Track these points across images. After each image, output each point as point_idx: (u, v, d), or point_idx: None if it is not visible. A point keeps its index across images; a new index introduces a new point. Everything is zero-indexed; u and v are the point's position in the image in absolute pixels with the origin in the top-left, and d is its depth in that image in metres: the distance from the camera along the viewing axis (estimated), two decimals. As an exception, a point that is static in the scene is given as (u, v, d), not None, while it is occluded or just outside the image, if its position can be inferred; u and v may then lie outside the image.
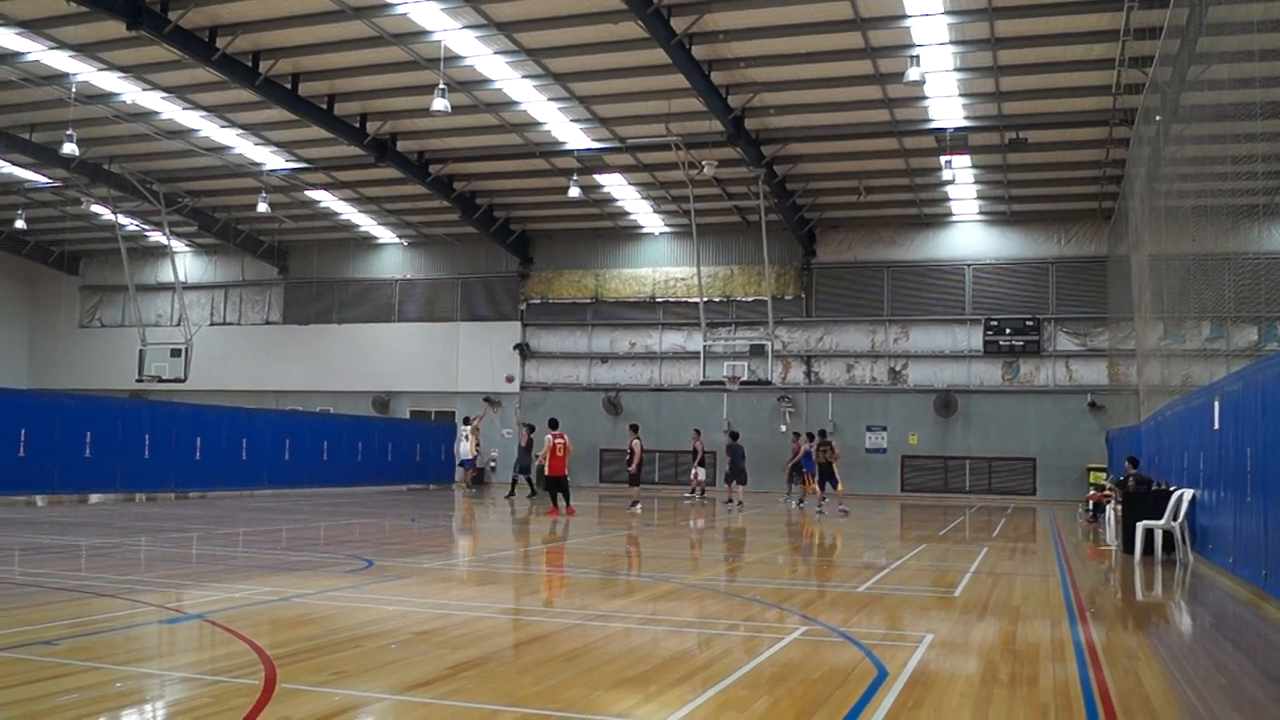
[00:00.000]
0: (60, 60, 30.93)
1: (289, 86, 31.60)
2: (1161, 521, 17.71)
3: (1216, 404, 15.22)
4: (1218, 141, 16.60)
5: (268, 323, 50.87)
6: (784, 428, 42.51)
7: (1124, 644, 9.96)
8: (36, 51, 30.41)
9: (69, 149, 33.22)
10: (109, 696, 7.03)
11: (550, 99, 32.71)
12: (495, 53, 29.65)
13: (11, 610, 10.42)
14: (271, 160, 39.48)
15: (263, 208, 41.36)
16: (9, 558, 15.07)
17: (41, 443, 27.69)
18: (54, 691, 7.05)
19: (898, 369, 42.46)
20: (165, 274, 49.61)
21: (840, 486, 30.21)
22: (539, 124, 34.74)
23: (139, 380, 44.26)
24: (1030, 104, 31.34)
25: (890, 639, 9.78)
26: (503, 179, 40.89)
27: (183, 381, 42.78)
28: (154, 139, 37.53)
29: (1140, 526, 17.95)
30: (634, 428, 31.40)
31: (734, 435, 34.56)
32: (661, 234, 45.38)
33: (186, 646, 9.15)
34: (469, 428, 35.28)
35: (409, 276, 48.90)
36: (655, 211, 43.36)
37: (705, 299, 41.51)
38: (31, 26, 28.96)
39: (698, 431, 38.58)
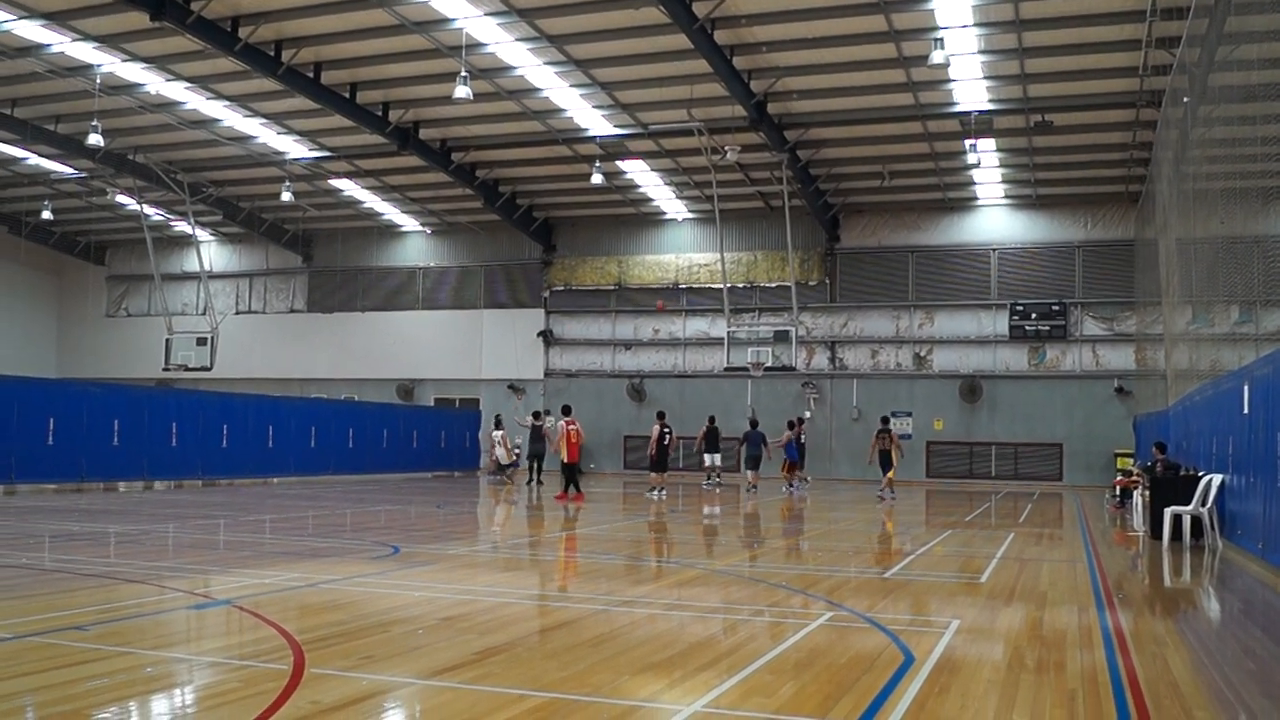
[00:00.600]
0: (84, 51, 31.04)
1: (311, 75, 31.64)
2: (1190, 507, 17.61)
3: (1246, 388, 15.11)
4: (1247, 123, 16.45)
5: (292, 311, 51.04)
6: (808, 414, 42.45)
7: (1152, 630, 9.91)
8: (61, 43, 30.51)
9: (94, 140, 33.33)
10: (139, 681, 7.06)
11: (572, 85, 32.67)
12: (517, 40, 29.61)
13: (42, 596, 10.49)
14: (295, 149, 39.57)
15: (286, 196, 41.45)
16: (39, 544, 15.17)
17: (70, 431, 27.88)
18: (85, 676, 7.09)
19: (923, 354, 42.33)
20: (190, 263, 49.80)
21: (891, 474, 30.22)
22: (561, 111, 34.70)
23: (165, 369, 44.44)
24: (1056, 86, 31.11)
25: (916, 625, 9.75)
26: (525, 166, 40.88)
27: (208, 370, 42.94)
28: (178, 129, 37.64)
29: (1168, 512, 17.84)
30: (660, 415, 31.35)
31: (754, 423, 34.52)
32: (684, 220, 45.31)
33: (215, 632, 9.19)
34: (500, 433, 34.67)
35: (432, 264, 48.97)
36: (678, 197, 43.29)
37: (729, 285, 41.43)
38: (56, 18, 29.07)
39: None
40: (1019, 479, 40.50)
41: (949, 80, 31.05)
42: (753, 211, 43.44)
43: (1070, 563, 14.99)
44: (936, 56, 27.26)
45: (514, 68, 31.44)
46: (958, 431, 41.66)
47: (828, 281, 43.40)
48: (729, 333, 39.43)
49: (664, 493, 29.27)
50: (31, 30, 29.69)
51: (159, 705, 6.59)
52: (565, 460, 27.28)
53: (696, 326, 44.92)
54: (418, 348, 48.41)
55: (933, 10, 27.01)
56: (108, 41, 30.46)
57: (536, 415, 34.38)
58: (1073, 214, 40.93)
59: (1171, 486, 18.71)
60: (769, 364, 39.16)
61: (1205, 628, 10.83)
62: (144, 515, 20.81)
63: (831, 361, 43.24)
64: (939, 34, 27.30)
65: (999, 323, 41.36)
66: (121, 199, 45.43)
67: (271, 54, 30.19)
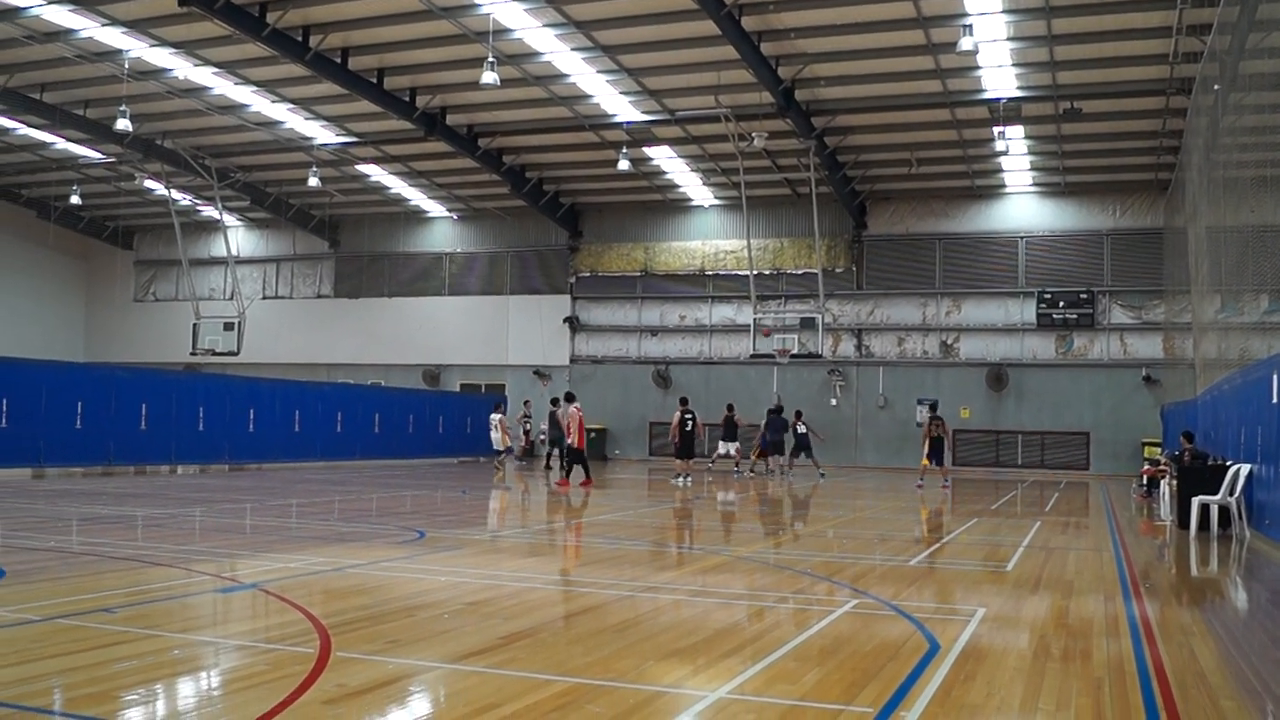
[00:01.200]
0: (113, 37, 31.15)
1: (339, 61, 31.69)
2: (1217, 496, 17.51)
3: (1275, 377, 15.02)
4: (1278, 111, 16.32)
5: (319, 296, 51.22)
6: (834, 401, 42.42)
7: (1179, 619, 9.86)
8: (90, 28, 30.64)
9: (122, 125, 33.43)
10: (167, 663, 7.11)
11: (599, 71, 32.63)
12: (544, 25, 29.58)
13: (71, 579, 10.56)
14: (322, 135, 39.65)
15: (314, 182, 41.55)
16: (67, 527, 15.28)
17: (98, 415, 28.08)
18: (113, 658, 7.14)
19: (949, 342, 42.19)
20: (218, 248, 49.96)
21: (943, 465, 30.15)
22: (588, 97, 34.67)
23: (193, 353, 44.63)
24: (1085, 73, 30.92)
25: (942, 613, 9.73)
26: (552, 152, 40.88)
27: (236, 355, 43.10)
28: (206, 114, 37.78)
29: (1196, 501, 17.73)
30: (682, 401, 31.35)
31: (778, 409, 34.52)
32: (711, 207, 45.26)
33: (242, 615, 9.24)
34: (499, 417, 34.23)
35: (459, 250, 49.04)
36: (705, 184, 43.23)
37: (755, 272, 41.35)
38: (84, 3, 29.17)
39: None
40: (1045, 468, 40.38)
41: (978, 67, 30.89)
42: (779, 198, 43.36)
43: (1096, 552, 14.93)
44: (965, 43, 27.15)
45: (541, 53, 31.42)
46: (984, 420, 41.53)
47: (854, 269, 43.29)
48: (755, 319, 39.36)
49: (689, 479, 29.27)
50: (60, 15, 29.81)
51: (186, 687, 6.63)
52: (575, 445, 27.14)
53: (722, 313, 44.87)
54: (444, 333, 48.52)
55: (962, -4, 26.89)
56: (136, 26, 30.56)
57: (555, 402, 34.32)
58: (1101, 202, 40.71)
59: (1199, 476, 18.61)
60: (795, 351, 39.10)
61: (1232, 617, 10.78)
62: (171, 499, 20.93)
63: (858, 349, 43.14)
64: (968, 20, 27.18)
65: (1026, 311, 41.18)
66: (149, 184, 45.62)
67: (299, 39, 30.25)
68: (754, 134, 34.49)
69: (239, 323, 43.15)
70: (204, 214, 50.14)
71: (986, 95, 32.76)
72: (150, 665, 7.00)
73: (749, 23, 28.41)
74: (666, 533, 17.70)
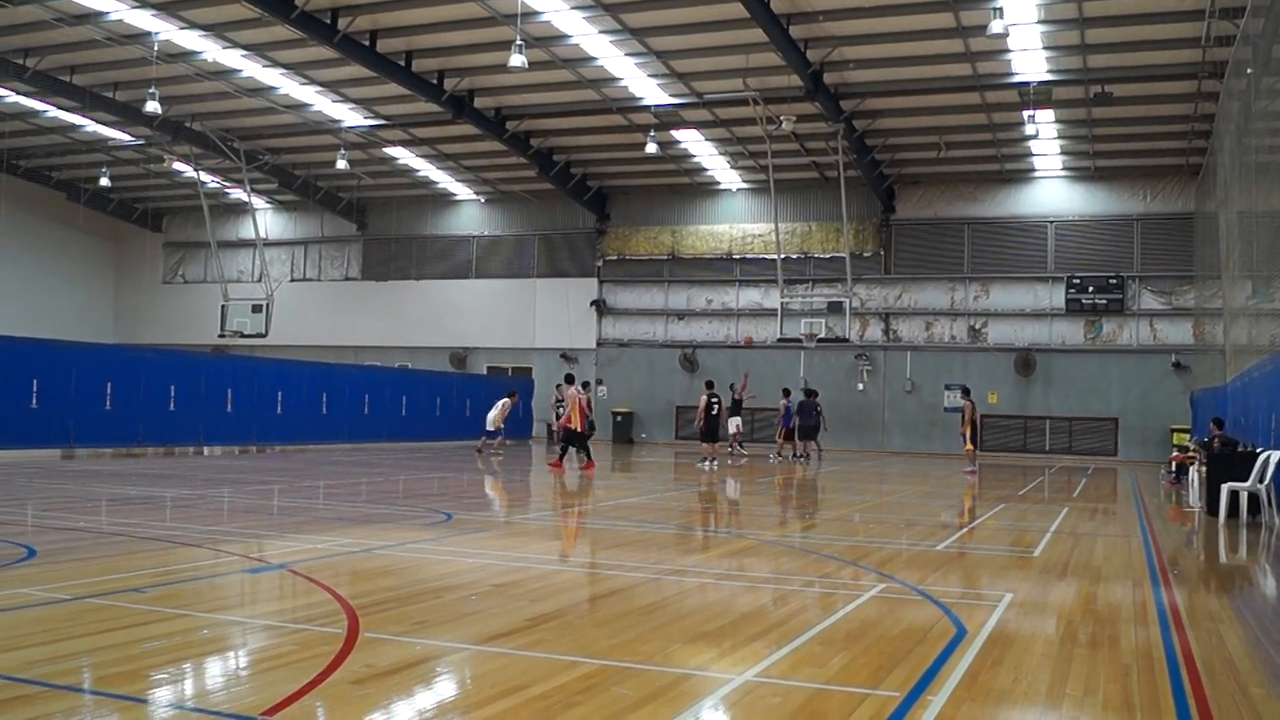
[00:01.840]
0: (142, 19, 31.23)
1: (367, 43, 31.72)
2: (1247, 483, 17.40)
3: (1306, 363, 14.91)
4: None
5: (347, 279, 51.37)
6: (860, 386, 42.36)
7: (1207, 606, 9.82)
8: (119, 10, 30.73)
9: (151, 107, 33.56)
10: (196, 643, 7.16)
11: (627, 54, 32.56)
12: (572, 8, 29.52)
13: (100, 559, 10.63)
14: (350, 117, 39.71)
15: (341, 165, 41.66)
16: (97, 508, 15.39)
17: (127, 397, 28.24)
18: (142, 637, 7.19)
19: (977, 327, 42.02)
20: (246, 230, 50.16)
21: (970, 447, 30.09)
22: (616, 80, 34.61)
23: (221, 335, 44.85)
24: (1116, 57, 30.69)
25: (969, 598, 9.71)
26: (580, 135, 40.85)
27: (264, 337, 43.29)
28: (234, 96, 37.88)
29: (1225, 488, 17.62)
30: (708, 384, 31.31)
31: (810, 393, 34.49)
32: (739, 190, 45.17)
33: (270, 595, 9.30)
34: (506, 400, 33.65)
35: (486, 233, 49.09)
36: (732, 167, 43.14)
37: (783, 255, 41.26)
38: (115, -15, 29.31)
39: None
40: (1073, 454, 40.20)
41: (1007, 50, 30.70)
42: (807, 182, 43.24)
43: (1125, 538, 14.87)
44: (995, 26, 26.93)
45: (569, 36, 31.38)
46: (1012, 405, 41.38)
47: (882, 253, 43.15)
48: (782, 303, 39.27)
49: (715, 463, 29.27)
50: (91, -2, 29.96)
51: (215, 666, 6.67)
52: (577, 429, 26.77)
53: (750, 297, 44.80)
54: (471, 316, 48.59)
55: (992, -21, 26.71)
56: (165, 9, 30.63)
57: (585, 386, 34.28)
58: (1132, 186, 40.44)
59: (1229, 462, 18.48)
60: (822, 335, 39.02)
61: (1261, 604, 10.72)
62: (199, 480, 21.05)
63: (885, 333, 43.02)
64: (998, 3, 26.94)
65: (1055, 296, 40.98)
66: (178, 166, 45.81)
67: (328, 22, 30.28)
68: (782, 117, 34.39)
69: (267, 305, 43.33)
70: (232, 196, 50.35)
71: (1016, 79, 32.55)
72: (179, 645, 7.05)
73: (778, 5, 28.28)
74: (692, 516, 17.71)
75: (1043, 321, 41.18)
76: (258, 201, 49.41)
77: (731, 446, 34.49)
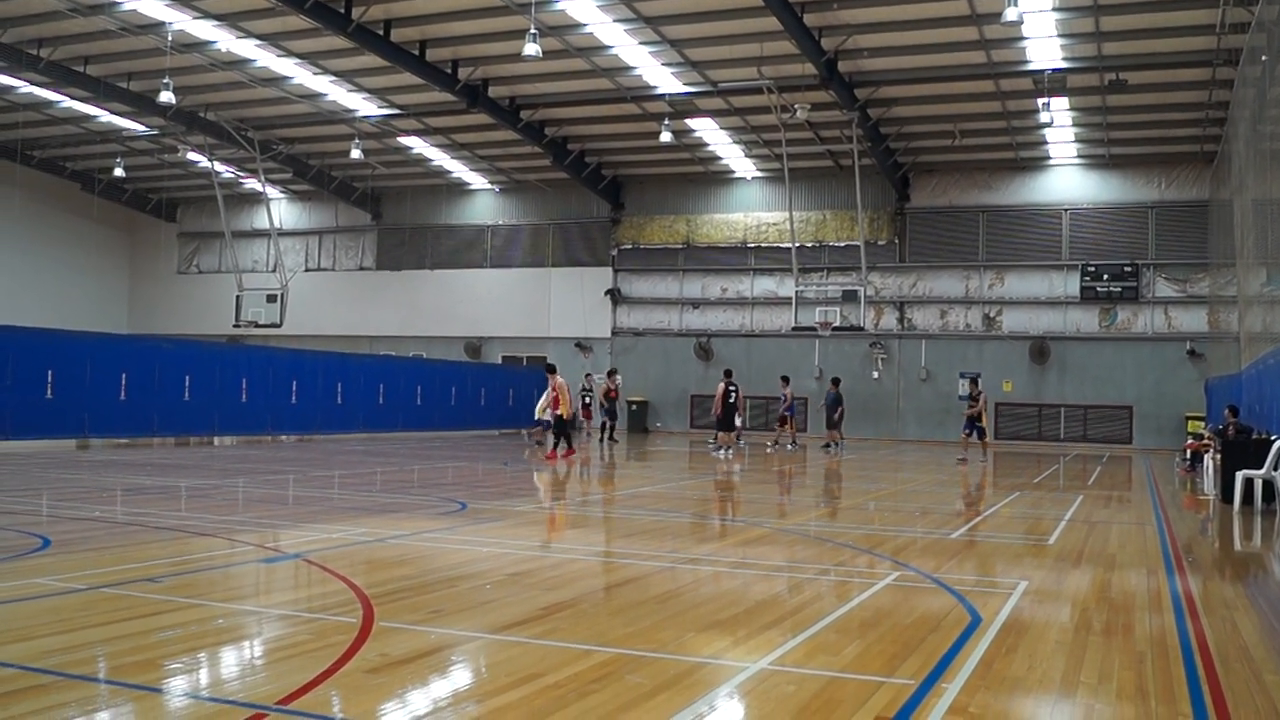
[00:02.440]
0: (156, 8, 31.29)
1: (381, 33, 31.73)
2: (1262, 471, 17.34)
3: (1323, 351, 14.84)
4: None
5: (361, 268, 51.45)
6: (875, 374, 42.31)
7: (1222, 594, 9.79)
8: (133, 0, 30.77)
9: (166, 97, 33.65)
10: (211, 632, 7.18)
11: (641, 43, 32.53)
12: (586, -3, 29.55)
13: (115, 548, 10.66)
14: (364, 107, 39.73)
15: (356, 154, 41.72)
16: (112, 498, 15.44)
17: (142, 387, 28.32)
18: (157, 627, 7.21)
19: (992, 315, 41.95)
20: (261, 220, 50.23)
21: (985, 439, 30.05)
22: (630, 68, 34.58)
23: (236, 325, 44.99)
24: (1131, 44, 30.58)
25: (983, 586, 9.70)
26: (594, 124, 40.82)
27: (278, 326, 43.40)
28: (248, 86, 37.93)
29: (1240, 476, 17.56)
30: (726, 373, 31.29)
31: (836, 381, 34.46)
32: (753, 179, 45.12)
33: (285, 585, 9.32)
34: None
35: (501, 222, 49.10)
36: (747, 156, 43.09)
37: (797, 244, 41.20)
38: (129, -25, 29.35)
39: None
40: (1088, 441, 40.14)
41: (1022, 38, 30.60)
42: (822, 170, 43.17)
43: (1139, 526, 14.84)
44: (1010, 13, 26.78)
45: (583, 25, 31.35)
46: (1027, 393, 41.31)
47: (897, 241, 43.09)
48: (797, 292, 39.21)
49: (730, 451, 29.28)
50: (105, -12, 30.02)
51: (230, 656, 6.69)
52: (565, 416, 26.78)
53: (764, 285, 44.76)
54: (485, 305, 48.63)
55: (1007, -34, 26.58)
56: (180, -1, 30.74)
57: (611, 374, 34.30)
58: (1146, 174, 40.30)
59: (1243, 450, 18.41)
60: (837, 324, 38.97)
61: (1276, 592, 10.67)
62: (214, 470, 21.11)
63: (900, 322, 42.96)
64: (1013, -10, 26.89)
65: (1070, 284, 40.88)
66: (192, 156, 45.92)
67: (341, 11, 30.30)
68: (796, 106, 34.32)
69: (281, 295, 43.42)
70: (246, 186, 50.44)
71: (1031, 67, 32.46)
72: (194, 634, 7.06)
73: (791, -7, 28.26)
74: (707, 504, 17.71)
75: (1058, 309, 41.08)
76: (272, 191, 49.50)
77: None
